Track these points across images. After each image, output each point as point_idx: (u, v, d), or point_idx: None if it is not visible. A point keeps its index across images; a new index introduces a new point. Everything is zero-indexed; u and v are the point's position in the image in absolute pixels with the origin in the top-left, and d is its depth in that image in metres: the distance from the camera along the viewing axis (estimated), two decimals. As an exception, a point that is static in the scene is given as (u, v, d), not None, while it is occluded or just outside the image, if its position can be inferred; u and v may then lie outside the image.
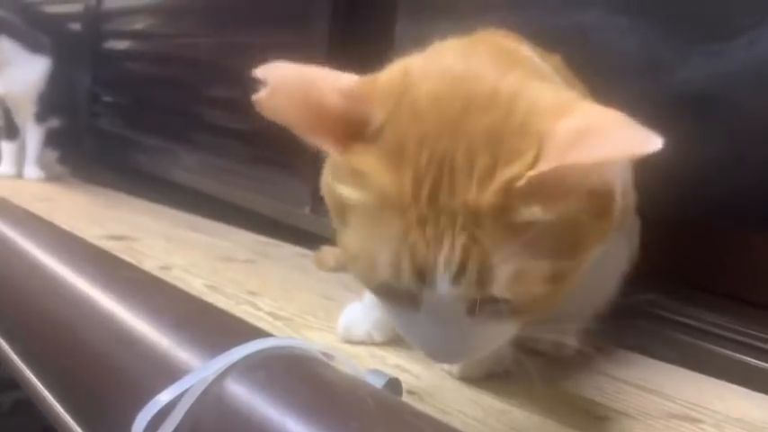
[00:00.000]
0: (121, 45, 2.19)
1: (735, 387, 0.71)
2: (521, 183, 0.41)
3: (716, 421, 0.61)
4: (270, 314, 0.76)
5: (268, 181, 1.48)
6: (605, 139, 0.40)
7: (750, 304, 0.80)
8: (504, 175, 0.42)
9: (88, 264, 0.66)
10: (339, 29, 1.38)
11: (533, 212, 0.42)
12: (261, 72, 0.45)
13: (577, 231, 0.45)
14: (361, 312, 0.69)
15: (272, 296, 0.84)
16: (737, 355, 0.73)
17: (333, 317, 0.76)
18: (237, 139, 1.61)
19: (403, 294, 0.46)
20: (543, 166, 0.41)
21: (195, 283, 0.87)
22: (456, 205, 0.43)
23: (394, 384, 0.48)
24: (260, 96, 0.44)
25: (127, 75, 2.17)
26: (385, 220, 0.44)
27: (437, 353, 0.49)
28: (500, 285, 0.43)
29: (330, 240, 1.31)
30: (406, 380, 0.56)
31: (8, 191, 1.53)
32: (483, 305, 0.45)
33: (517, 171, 0.42)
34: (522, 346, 0.59)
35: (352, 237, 0.48)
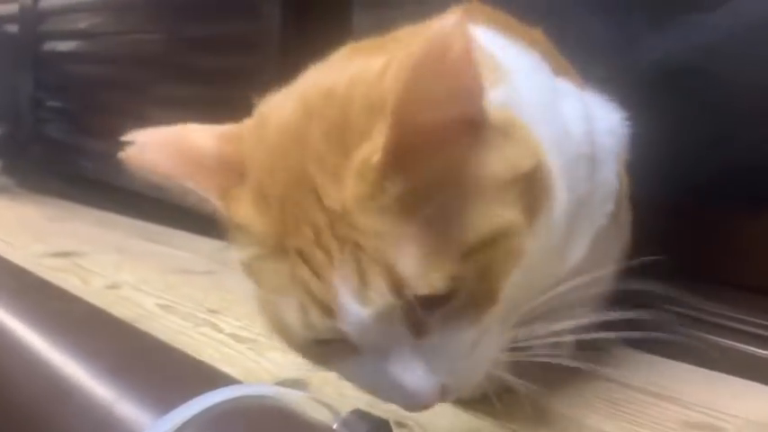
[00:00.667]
0: (64, 46, 2.06)
1: (752, 384, 0.64)
2: (375, 158, 0.35)
3: (737, 428, 0.54)
4: (231, 336, 0.67)
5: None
6: (430, 68, 0.33)
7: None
8: (355, 162, 0.36)
9: (15, 296, 0.56)
10: (292, 20, 1.29)
11: (402, 182, 0.36)
12: (128, 137, 0.43)
13: (478, 191, 0.38)
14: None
15: (234, 314, 0.75)
16: (753, 349, 0.67)
17: (302, 335, 0.68)
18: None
19: (335, 346, 0.40)
20: (386, 130, 0.35)
21: (146, 303, 0.78)
22: (324, 220, 0.37)
23: (381, 428, 0.39)
24: (128, 154, 0.42)
25: (71, 77, 2.04)
26: (273, 271, 0.39)
27: (413, 395, 0.40)
28: (414, 280, 0.36)
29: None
30: (395, 408, 0.48)
31: None
32: (424, 318, 0.38)
33: (368, 150, 0.36)
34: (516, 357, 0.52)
35: (262, 305, 0.42)
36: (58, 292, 0.63)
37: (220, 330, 0.69)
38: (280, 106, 0.43)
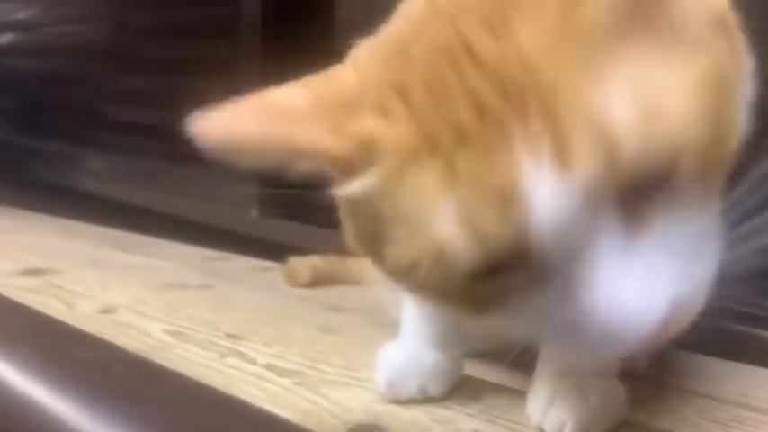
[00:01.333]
0: (2, 39, 1.87)
1: None
2: None
3: None
4: (268, 367, 0.56)
5: (203, 183, 1.25)
6: None
7: None
8: None
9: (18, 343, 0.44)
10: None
11: None
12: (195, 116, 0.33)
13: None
14: (405, 357, 0.50)
15: (260, 338, 0.63)
16: None
17: (352, 360, 0.58)
18: (162, 137, 1.37)
19: (506, 277, 0.30)
20: None
21: (153, 330, 0.65)
22: (489, 85, 0.28)
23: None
24: (206, 129, 0.33)
25: (14, 72, 1.85)
26: (415, 185, 0.30)
27: (638, 316, 0.29)
28: (631, 142, 0.26)
29: (292, 249, 1.12)
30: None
31: None
32: (639, 206, 0.28)
33: None
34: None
35: (396, 246, 0.32)
36: (77, 335, 0.50)
37: (252, 361, 0.57)
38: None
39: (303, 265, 0.92)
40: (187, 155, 1.16)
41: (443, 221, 0.28)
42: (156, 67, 1.41)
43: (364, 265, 0.90)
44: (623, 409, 0.45)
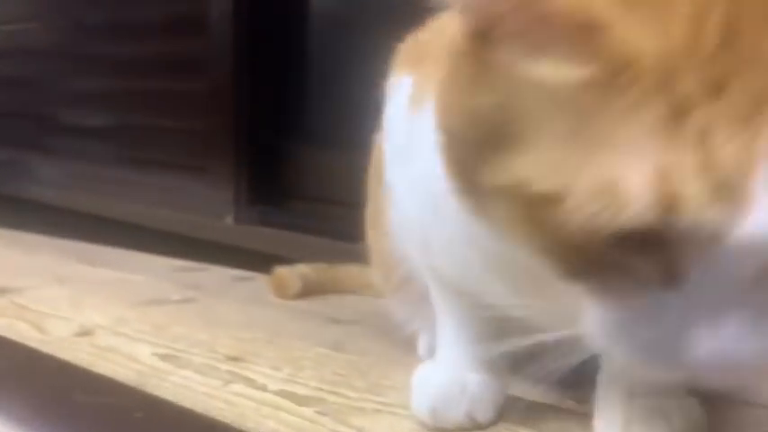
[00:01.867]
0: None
1: None
2: None
3: None
4: (282, 395, 0.49)
5: (171, 189, 1.17)
6: None
7: None
8: None
9: None
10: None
11: None
12: None
13: None
14: (448, 380, 0.44)
15: (264, 360, 0.56)
16: None
17: (375, 382, 0.51)
18: (122, 141, 1.27)
19: (639, 261, 0.25)
20: None
21: (141, 353, 0.58)
22: None
23: None
24: None
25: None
26: (645, 107, 0.23)
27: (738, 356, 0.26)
28: None
29: (271, 257, 1.04)
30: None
31: None
32: None
33: None
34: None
35: (535, 162, 0.26)
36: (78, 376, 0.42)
37: (262, 387, 0.50)
38: None
39: (291, 274, 0.85)
40: (153, 160, 1.08)
41: (640, 165, 0.22)
42: (116, 68, 1.31)
43: (362, 273, 0.85)
44: (704, 430, 0.40)
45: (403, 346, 0.58)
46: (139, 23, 1.26)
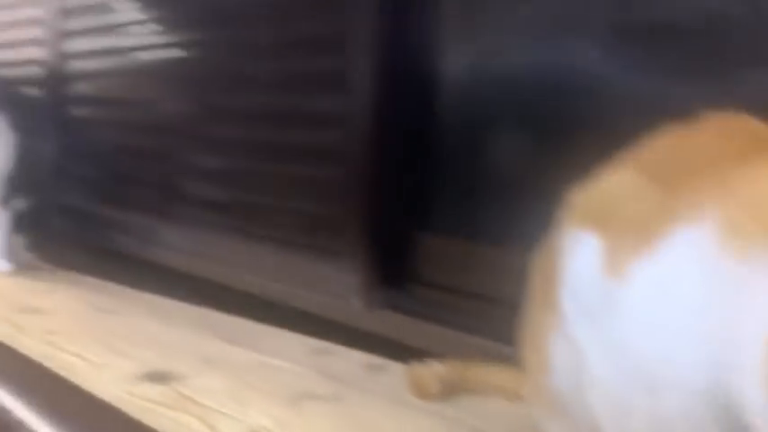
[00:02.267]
0: (90, 111, 1.88)
1: None
2: None
3: None
4: None
5: (302, 268, 1.22)
6: None
7: None
8: None
9: None
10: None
11: None
12: None
13: None
14: None
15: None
16: None
17: None
18: (257, 218, 1.34)
19: None
20: None
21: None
22: None
23: None
24: None
25: (97, 144, 1.86)
26: None
27: None
28: None
29: (397, 343, 1.07)
30: None
31: None
32: None
33: None
34: None
35: None
36: None
37: None
38: None
39: (430, 375, 0.86)
40: (285, 239, 1.12)
41: None
42: (255, 151, 1.39)
43: (496, 375, 0.86)
44: None
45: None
46: (279, 111, 1.33)
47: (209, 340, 1.06)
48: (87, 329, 1.07)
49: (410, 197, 1.14)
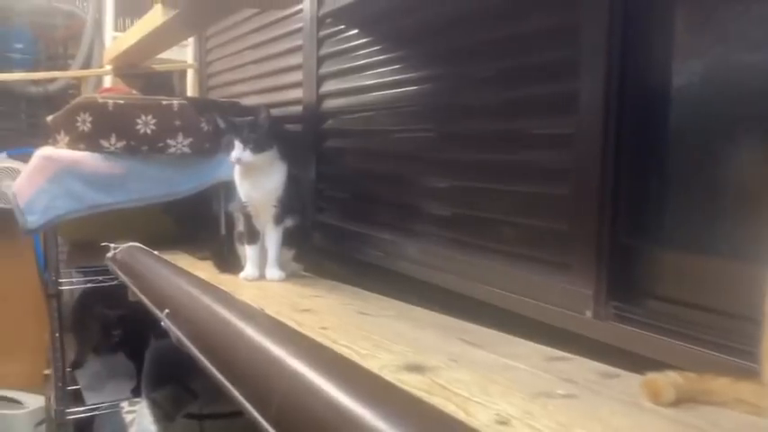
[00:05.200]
0: (340, 143, 2.13)
1: None
2: None
3: None
4: None
5: (536, 281, 1.28)
6: None
7: None
8: None
9: None
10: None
11: None
12: None
13: None
14: None
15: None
16: None
17: None
18: (493, 234, 1.43)
19: None
20: None
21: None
22: None
23: None
24: None
25: (347, 170, 2.09)
26: None
27: None
28: None
29: (628, 353, 1.08)
30: None
31: (261, 299, 1.45)
32: None
33: None
34: None
35: None
36: None
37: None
38: None
39: (665, 383, 0.88)
40: (520, 253, 1.19)
41: None
42: (489, 173, 1.48)
43: (732, 387, 0.85)
44: None
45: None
46: (507, 134, 1.42)
47: (452, 342, 1.17)
48: (351, 327, 1.23)
49: (641, 211, 1.15)
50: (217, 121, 1.69)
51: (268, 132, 1.68)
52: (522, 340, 1.20)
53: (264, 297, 1.54)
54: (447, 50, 1.58)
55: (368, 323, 1.30)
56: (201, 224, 2.64)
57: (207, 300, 1.18)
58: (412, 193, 1.75)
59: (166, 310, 1.24)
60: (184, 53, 3.42)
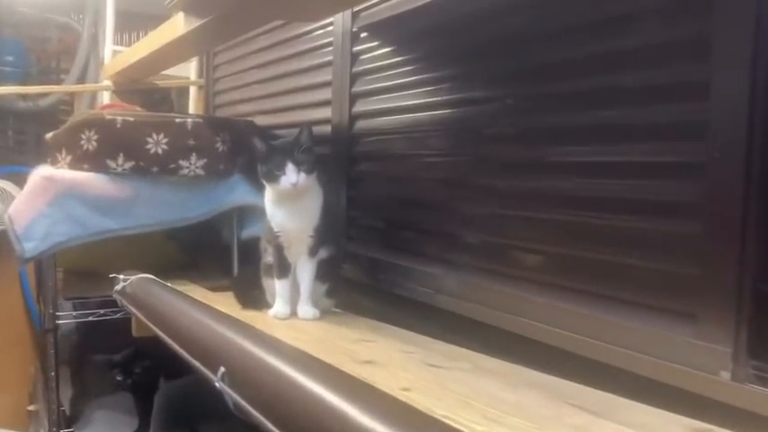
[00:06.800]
0: (373, 166, 1.92)
1: None
2: None
3: None
4: None
5: (652, 333, 1.07)
6: None
7: None
8: None
9: None
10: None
11: None
12: None
13: None
14: None
15: None
16: None
17: None
18: (587, 275, 1.22)
19: None
20: None
21: None
22: None
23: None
24: None
25: (380, 195, 1.88)
26: None
27: None
28: None
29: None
30: None
31: (300, 342, 1.24)
32: None
33: None
34: None
35: None
36: None
37: None
38: None
39: None
40: (627, 299, 0.94)
41: None
42: (563, 203, 1.29)
43: None
44: None
45: None
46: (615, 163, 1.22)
47: (563, 408, 0.96)
48: (434, 386, 1.02)
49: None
50: (255, 144, 1.47)
51: (312, 152, 1.46)
52: (639, 404, 0.99)
53: (303, 341, 1.32)
54: (477, 74, 1.42)
55: (447, 380, 1.08)
56: (208, 251, 2.41)
57: (273, 359, 0.94)
58: (462, 222, 1.54)
59: (222, 369, 0.98)
60: (187, 69, 3.19)
